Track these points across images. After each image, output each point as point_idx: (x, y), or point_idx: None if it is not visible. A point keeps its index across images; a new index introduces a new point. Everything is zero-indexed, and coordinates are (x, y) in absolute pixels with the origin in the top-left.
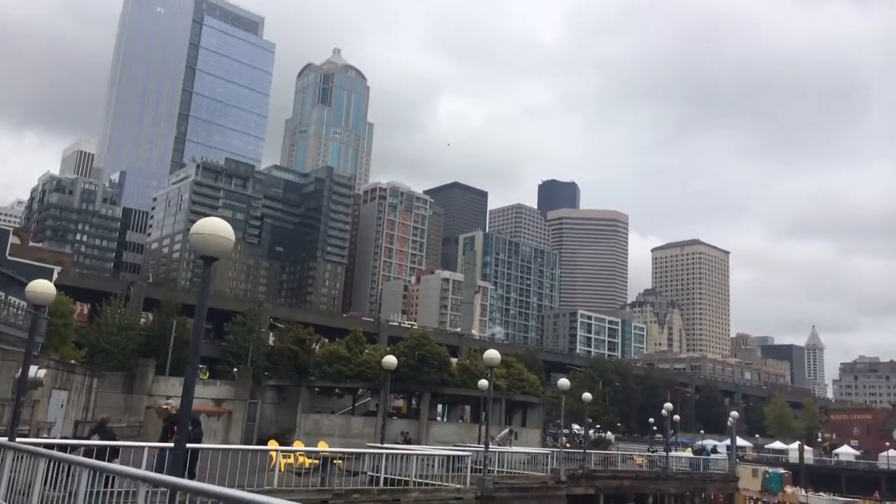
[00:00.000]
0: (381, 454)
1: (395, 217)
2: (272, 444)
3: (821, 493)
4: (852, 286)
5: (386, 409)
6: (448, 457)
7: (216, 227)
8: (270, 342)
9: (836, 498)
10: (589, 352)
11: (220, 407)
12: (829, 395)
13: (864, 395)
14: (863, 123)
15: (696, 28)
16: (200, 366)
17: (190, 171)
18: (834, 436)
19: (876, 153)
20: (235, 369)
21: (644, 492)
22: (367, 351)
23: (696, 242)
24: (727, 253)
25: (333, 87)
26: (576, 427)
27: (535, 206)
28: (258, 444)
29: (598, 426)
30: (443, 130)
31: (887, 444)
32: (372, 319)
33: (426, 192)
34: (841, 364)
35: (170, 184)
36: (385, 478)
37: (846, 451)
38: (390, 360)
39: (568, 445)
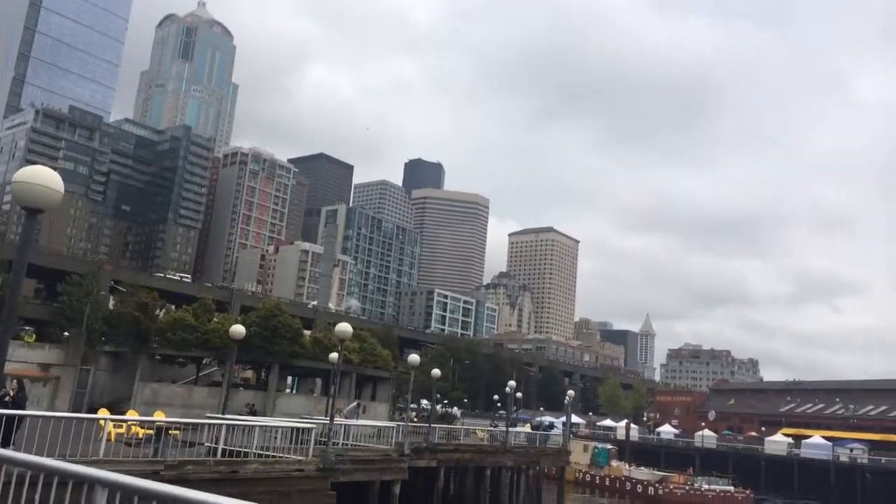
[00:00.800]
0: (221, 425)
1: (256, 184)
2: (102, 413)
3: (642, 468)
4: (684, 279)
5: (230, 380)
6: (292, 429)
7: (42, 177)
8: (110, 306)
9: (655, 472)
10: (443, 330)
11: (47, 372)
12: (657, 377)
13: (687, 379)
14: (708, 128)
15: (562, 22)
16: (26, 328)
17: (27, 116)
18: (658, 415)
19: (719, 157)
20: (66, 333)
21: (483, 465)
22: (215, 320)
23: (550, 230)
24: (577, 242)
25: (196, 42)
26: (424, 402)
27: (401, 184)
28: (88, 412)
29: (445, 402)
30: (311, 99)
31: (703, 424)
32: (224, 288)
33: (290, 161)
34: (669, 350)
35: (3, 129)
36: (224, 449)
37: (667, 430)
38: (238, 329)
39: (415, 420)
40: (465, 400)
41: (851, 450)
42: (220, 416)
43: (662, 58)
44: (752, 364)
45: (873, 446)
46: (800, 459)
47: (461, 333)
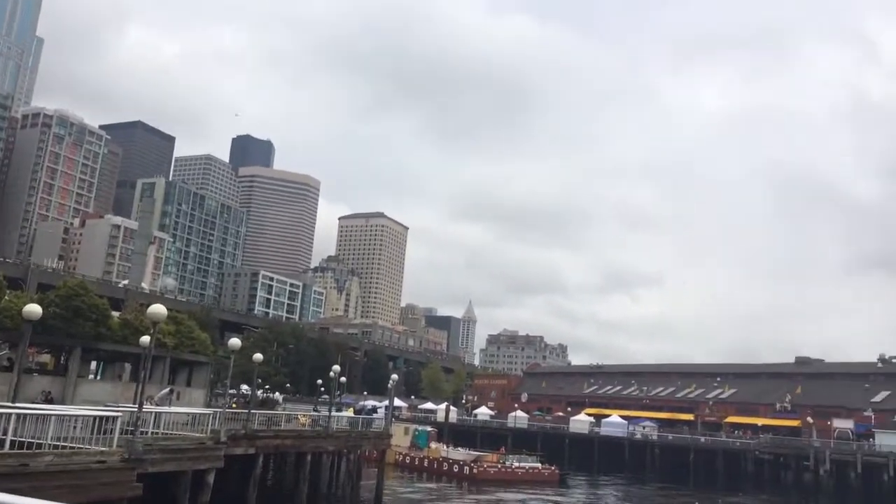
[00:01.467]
0: (10, 414)
1: (61, 150)
2: None
3: (459, 448)
4: (504, 267)
5: (23, 364)
6: (94, 417)
7: None
8: None
9: (470, 452)
10: (268, 313)
11: None
12: (477, 362)
13: (504, 363)
14: (529, 125)
15: (397, 8)
16: None
17: None
18: (476, 398)
19: (538, 153)
20: None
21: (304, 450)
22: (6, 298)
23: (380, 215)
24: (406, 228)
25: None
26: (245, 388)
27: (227, 160)
28: None
29: (267, 387)
30: (129, 61)
31: (516, 405)
32: (18, 262)
33: (103, 128)
34: (488, 335)
35: None
36: (13, 440)
37: (483, 412)
38: (33, 308)
39: (234, 406)
40: (288, 385)
41: (644, 427)
42: (10, 404)
43: (487, 54)
44: (562, 349)
45: (663, 424)
46: (599, 437)
47: (286, 317)
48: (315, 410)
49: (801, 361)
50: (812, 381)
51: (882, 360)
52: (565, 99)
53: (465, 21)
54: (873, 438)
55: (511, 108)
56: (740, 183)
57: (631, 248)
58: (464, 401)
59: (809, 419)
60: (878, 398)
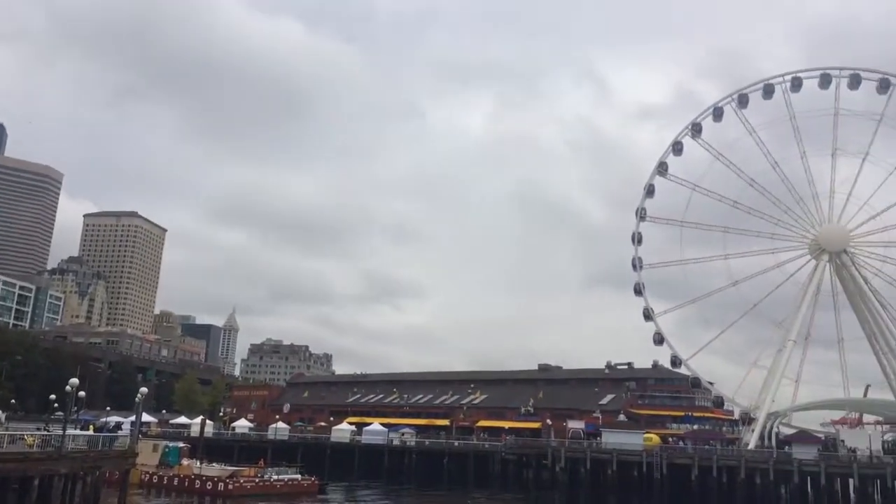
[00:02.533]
0: None
1: None
2: None
3: (214, 464)
4: (270, 276)
5: None
6: None
7: None
8: None
9: (226, 467)
10: None
11: None
12: (237, 372)
13: (267, 373)
14: (302, 133)
15: None
16: None
17: None
18: (235, 410)
19: (309, 162)
20: None
21: (31, 474)
22: None
23: (134, 215)
24: (164, 230)
25: None
26: None
27: None
28: None
29: None
30: None
31: (277, 416)
32: None
33: None
34: (251, 345)
35: None
36: None
37: (242, 424)
38: None
39: None
40: (13, 401)
41: (402, 434)
42: None
43: (257, 55)
44: (327, 358)
45: (421, 430)
46: (360, 445)
47: (14, 324)
48: (45, 429)
49: (542, 368)
50: (551, 386)
51: (609, 366)
52: (338, 110)
53: (227, 14)
54: (600, 437)
55: (279, 114)
56: (497, 202)
57: (397, 259)
58: (221, 413)
59: (549, 421)
60: (604, 401)
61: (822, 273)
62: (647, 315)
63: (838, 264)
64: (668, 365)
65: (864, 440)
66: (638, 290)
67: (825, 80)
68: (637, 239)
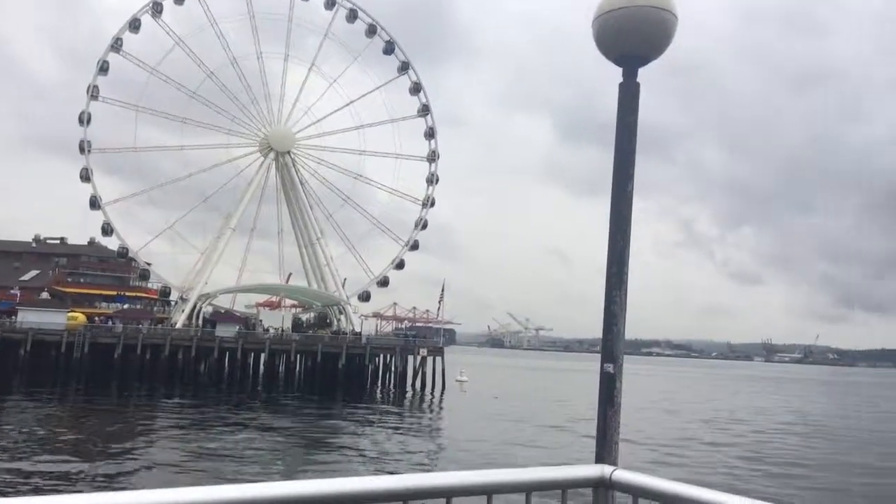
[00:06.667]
0: None
1: None
2: None
3: None
4: None
5: None
6: None
7: None
8: None
9: None
10: None
11: None
12: None
13: None
14: None
15: None
16: None
17: None
18: None
19: None
20: None
21: None
22: None
23: None
24: None
25: None
26: None
27: None
28: None
29: None
30: None
31: None
32: None
33: None
34: None
35: None
36: None
37: None
38: None
39: None
40: None
41: None
42: None
43: None
44: None
45: None
46: None
47: None
48: None
49: None
50: None
51: (37, 240)
52: None
53: None
54: (16, 315)
55: None
56: None
57: None
58: None
59: None
60: (26, 277)
61: (267, 170)
62: (95, 203)
63: (282, 163)
64: (114, 250)
65: (279, 320)
66: (85, 177)
67: None
68: (86, 119)
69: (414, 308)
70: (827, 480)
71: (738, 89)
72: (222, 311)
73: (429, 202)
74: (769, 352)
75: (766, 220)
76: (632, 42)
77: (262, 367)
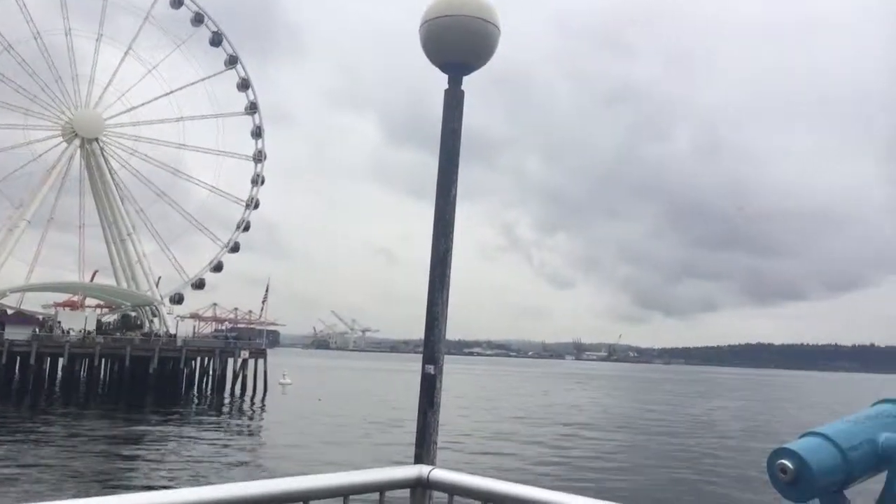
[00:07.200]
0: None
1: None
2: None
3: None
4: None
5: None
6: None
7: None
8: None
9: None
10: None
11: None
12: None
13: None
14: None
15: None
16: None
17: None
18: None
19: None
20: None
21: None
22: None
23: None
24: None
25: None
26: None
27: None
28: None
29: None
30: None
31: None
32: None
33: None
34: None
35: None
36: None
37: None
38: None
39: None
40: None
41: None
42: None
43: None
44: None
45: None
46: None
47: None
48: None
49: None
50: None
51: None
52: None
53: None
54: None
55: None
56: None
57: None
58: None
59: None
60: None
61: (70, 157)
62: None
63: (89, 151)
64: None
65: (82, 321)
66: None
67: None
68: None
69: (236, 309)
70: (629, 468)
71: (557, 103)
72: (9, 311)
73: (253, 203)
74: (579, 350)
75: (578, 226)
76: (456, 50)
77: (59, 372)
